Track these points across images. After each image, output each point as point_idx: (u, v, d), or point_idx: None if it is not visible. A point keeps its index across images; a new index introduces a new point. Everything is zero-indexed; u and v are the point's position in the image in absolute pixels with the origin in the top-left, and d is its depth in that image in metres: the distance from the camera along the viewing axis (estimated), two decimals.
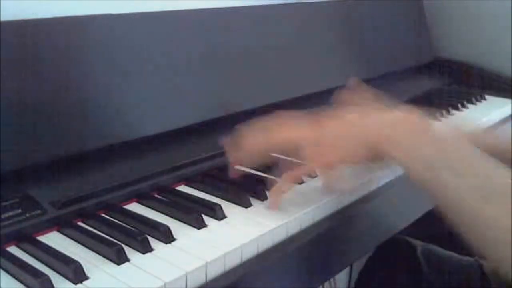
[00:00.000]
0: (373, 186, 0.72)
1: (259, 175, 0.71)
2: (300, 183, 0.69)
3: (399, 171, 0.73)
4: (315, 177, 0.70)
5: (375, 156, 0.60)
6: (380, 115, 0.61)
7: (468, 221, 0.51)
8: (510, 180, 0.51)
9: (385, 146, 0.58)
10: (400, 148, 0.57)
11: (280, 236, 0.60)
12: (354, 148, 0.60)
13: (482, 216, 0.50)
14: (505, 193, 0.50)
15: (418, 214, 0.80)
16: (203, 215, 0.61)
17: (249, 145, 0.65)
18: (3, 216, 0.56)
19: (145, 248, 0.55)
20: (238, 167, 0.70)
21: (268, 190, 0.66)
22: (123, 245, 0.54)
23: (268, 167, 0.70)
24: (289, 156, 0.66)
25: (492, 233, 0.49)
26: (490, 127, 1.05)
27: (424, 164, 0.55)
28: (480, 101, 1.20)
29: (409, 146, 0.57)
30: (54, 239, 0.57)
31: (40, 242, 0.56)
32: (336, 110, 0.64)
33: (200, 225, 0.60)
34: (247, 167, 0.71)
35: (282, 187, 0.64)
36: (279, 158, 0.67)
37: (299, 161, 0.64)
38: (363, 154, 0.60)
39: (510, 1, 1.23)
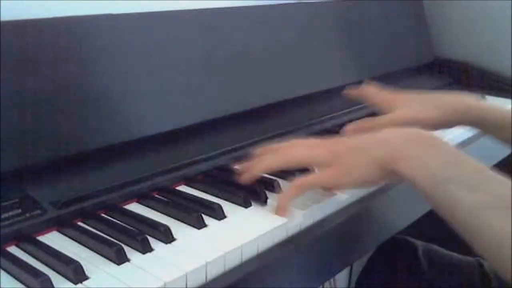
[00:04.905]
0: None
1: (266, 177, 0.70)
2: None
3: None
4: None
5: (386, 176, 0.60)
6: (392, 132, 0.61)
7: (481, 236, 0.50)
8: None
9: (398, 164, 0.58)
10: (413, 165, 0.57)
11: (280, 236, 0.60)
12: (368, 170, 0.60)
13: (495, 230, 0.49)
14: None
15: (419, 214, 0.79)
16: (203, 215, 0.61)
17: (263, 165, 0.65)
18: (3, 216, 0.56)
19: (145, 248, 0.55)
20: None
21: (275, 192, 0.67)
22: (123, 245, 0.54)
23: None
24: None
25: (506, 250, 0.48)
26: None
27: (436, 179, 0.54)
28: None
29: (421, 162, 0.56)
30: (54, 239, 0.57)
31: (40, 242, 0.56)
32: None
33: (200, 225, 0.60)
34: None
35: (291, 193, 0.62)
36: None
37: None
38: (376, 175, 0.60)
39: (510, 1, 1.23)
